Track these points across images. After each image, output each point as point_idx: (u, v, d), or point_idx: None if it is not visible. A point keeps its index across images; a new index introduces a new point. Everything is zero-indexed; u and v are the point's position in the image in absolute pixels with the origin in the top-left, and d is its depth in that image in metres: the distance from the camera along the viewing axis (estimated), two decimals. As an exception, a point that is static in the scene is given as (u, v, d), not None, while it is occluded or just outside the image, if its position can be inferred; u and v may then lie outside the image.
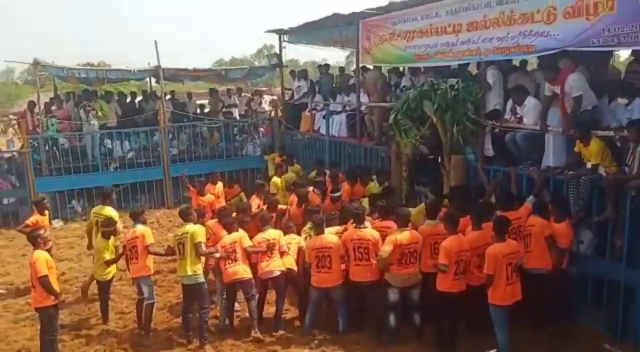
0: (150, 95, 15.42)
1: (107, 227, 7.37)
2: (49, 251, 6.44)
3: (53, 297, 6.12)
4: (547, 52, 6.81)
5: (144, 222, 7.29)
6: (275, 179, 10.18)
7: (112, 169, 13.24)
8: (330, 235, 6.63)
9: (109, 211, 7.92)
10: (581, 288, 6.42)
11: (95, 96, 14.13)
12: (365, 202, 7.80)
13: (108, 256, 7.29)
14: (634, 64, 7.42)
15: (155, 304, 7.20)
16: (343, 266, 6.56)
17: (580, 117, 6.53)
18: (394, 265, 6.20)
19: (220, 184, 10.19)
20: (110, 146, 13.52)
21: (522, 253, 5.86)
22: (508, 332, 5.73)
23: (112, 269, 7.43)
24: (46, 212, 8.66)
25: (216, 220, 7.38)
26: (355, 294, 6.69)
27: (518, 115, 7.41)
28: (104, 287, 7.41)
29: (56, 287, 6.20)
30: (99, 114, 13.36)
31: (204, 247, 6.60)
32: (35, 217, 8.33)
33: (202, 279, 6.69)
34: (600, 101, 6.70)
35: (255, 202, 8.80)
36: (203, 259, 6.82)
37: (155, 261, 8.81)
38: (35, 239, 6.25)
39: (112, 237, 7.39)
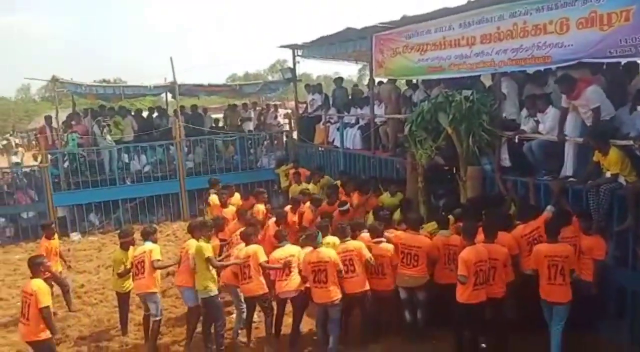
0: (166, 111, 15.63)
1: (125, 238, 7.41)
2: (46, 280, 6.10)
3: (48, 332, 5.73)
4: (564, 64, 6.83)
5: (154, 242, 7.19)
6: (295, 187, 10.24)
7: (129, 183, 13.40)
8: (327, 249, 6.47)
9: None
10: (603, 299, 6.32)
11: (111, 112, 14.36)
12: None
13: (127, 266, 7.25)
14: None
15: (171, 316, 7.23)
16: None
17: (599, 127, 6.51)
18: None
19: (237, 195, 10.26)
20: (127, 160, 13.70)
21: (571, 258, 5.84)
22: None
23: (131, 280, 7.40)
24: (55, 236, 8.45)
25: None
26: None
27: (536, 119, 7.40)
28: (124, 299, 7.45)
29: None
30: (113, 130, 13.55)
31: (213, 261, 6.58)
32: (44, 244, 8.17)
33: (213, 292, 6.59)
34: (621, 110, 6.67)
35: (259, 208, 8.90)
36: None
37: (171, 274, 8.95)
38: (37, 267, 5.88)
39: (130, 248, 7.39)
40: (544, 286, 5.83)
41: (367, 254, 6.50)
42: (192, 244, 6.84)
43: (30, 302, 5.62)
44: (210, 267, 6.56)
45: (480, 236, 6.19)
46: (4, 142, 27.35)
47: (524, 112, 7.75)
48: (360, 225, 7.21)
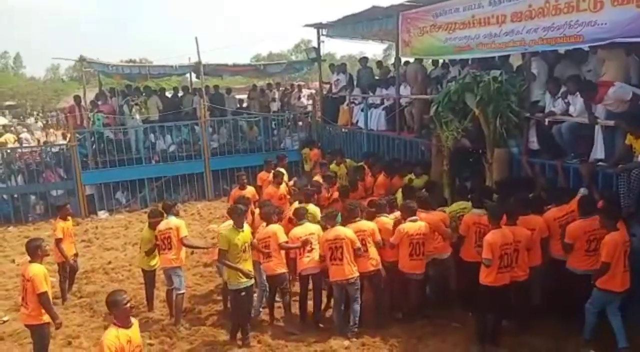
0: (193, 90, 15.70)
1: (154, 218, 7.51)
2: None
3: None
4: (596, 43, 6.60)
5: (176, 214, 7.28)
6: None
7: (154, 162, 13.57)
8: (343, 228, 6.55)
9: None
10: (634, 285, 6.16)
11: (138, 92, 14.51)
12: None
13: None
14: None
15: (196, 294, 7.31)
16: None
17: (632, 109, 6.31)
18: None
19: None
20: (153, 140, 13.86)
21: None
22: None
23: (158, 258, 7.50)
24: (69, 218, 8.21)
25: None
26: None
27: (566, 101, 7.20)
28: (149, 276, 7.58)
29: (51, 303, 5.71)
30: (142, 109, 13.71)
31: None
32: (59, 225, 7.87)
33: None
34: (654, 92, 6.45)
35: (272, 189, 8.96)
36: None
37: (196, 253, 9.08)
38: (35, 250, 5.63)
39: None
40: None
41: (378, 237, 6.61)
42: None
43: (27, 288, 5.52)
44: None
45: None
46: (36, 122, 28.01)
47: (548, 94, 7.55)
48: (381, 207, 7.12)
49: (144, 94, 14.37)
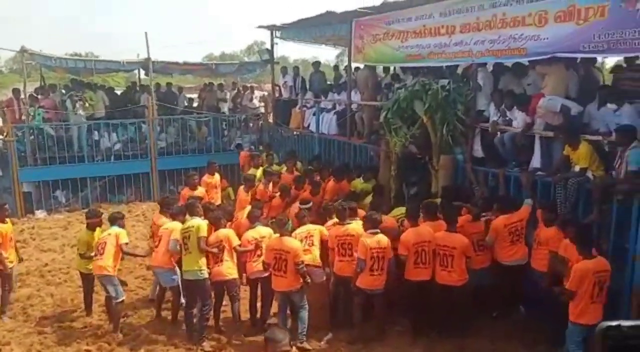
0: (141, 88, 15.30)
1: (93, 219, 7.24)
2: None
3: None
4: (538, 57, 6.87)
5: (121, 227, 7.02)
6: (253, 171, 10.21)
7: (98, 161, 13.09)
8: (291, 239, 6.36)
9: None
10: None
11: (83, 86, 13.97)
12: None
13: (94, 248, 7.04)
14: (625, 70, 7.55)
15: (138, 298, 7.13)
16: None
17: (569, 121, 6.61)
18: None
19: (217, 175, 10.14)
20: (97, 137, 13.36)
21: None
22: None
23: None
24: (7, 220, 7.40)
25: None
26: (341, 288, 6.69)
27: (507, 118, 7.49)
28: (88, 279, 7.25)
29: None
30: (87, 104, 13.22)
31: (204, 243, 6.49)
32: None
33: (206, 274, 6.50)
34: (590, 106, 6.77)
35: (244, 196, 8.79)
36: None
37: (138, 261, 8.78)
38: None
39: (97, 229, 7.23)
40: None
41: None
42: (175, 225, 6.77)
43: None
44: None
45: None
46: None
47: (492, 104, 7.82)
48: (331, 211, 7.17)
49: (88, 89, 13.84)
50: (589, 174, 6.20)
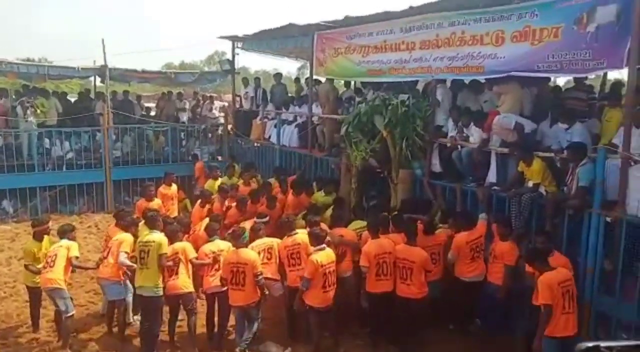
0: (96, 95, 14.88)
1: (39, 227, 6.92)
2: None
3: None
4: (495, 75, 7.08)
5: (71, 239, 6.77)
6: (210, 183, 10.10)
7: (49, 170, 12.60)
8: (248, 251, 6.29)
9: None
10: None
11: (35, 93, 13.46)
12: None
13: (41, 258, 6.77)
14: (572, 90, 7.88)
15: (89, 312, 6.85)
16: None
17: (523, 138, 6.81)
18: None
19: (174, 186, 9.93)
20: (48, 146, 12.87)
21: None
22: None
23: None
24: None
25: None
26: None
27: (465, 135, 7.66)
28: (35, 293, 6.93)
29: None
30: (38, 111, 12.73)
31: (165, 260, 6.27)
32: None
33: (161, 292, 6.29)
34: (543, 124, 7.02)
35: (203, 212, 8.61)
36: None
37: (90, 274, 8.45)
38: None
39: (45, 239, 6.94)
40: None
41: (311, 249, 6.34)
42: (126, 237, 6.62)
43: None
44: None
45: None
46: None
47: (451, 120, 8.00)
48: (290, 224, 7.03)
49: (40, 95, 13.32)
50: (542, 190, 6.40)
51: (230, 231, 6.90)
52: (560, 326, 5.08)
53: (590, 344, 1.50)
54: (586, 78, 7.80)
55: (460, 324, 6.68)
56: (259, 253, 6.45)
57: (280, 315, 6.95)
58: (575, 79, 7.67)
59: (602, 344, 1.50)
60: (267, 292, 6.23)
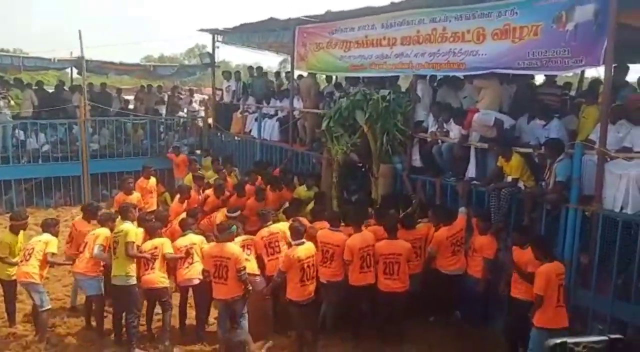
0: (73, 87, 14.60)
1: (17, 221, 6.81)
2: None
3: None
4: (476, 72, 7.16)
5: (54, 234, 6.71)
6: (189, 177, 10.06)
7: (24, 162, 12.35)
8: (232, 245, 6.22)
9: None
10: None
11: (8, 84, 13.17)
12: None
13: (16, 252, 6.67)
14: (545, 86, 8.03)
15: (66, 307, 6.76)
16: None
17: (502, 134, 6.93)
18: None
19: (153, 179, 9.83)
20: (22, 138, 12.60)
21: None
22: None
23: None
24: None
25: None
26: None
27: (445, 130, 7.75)
28: (10, 286, 6.79)
29: None
30: (12, 103, 12.47)
31: (134, 249, 6.27)
32: None
33: (133, 281, 6.29)
34: (521, 120, 7.14)
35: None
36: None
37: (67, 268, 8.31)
38: None
39: (21, 233, 6.83)
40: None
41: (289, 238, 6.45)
42: (102, 231, 6.57)
43: None
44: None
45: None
46: None
47: (431, 115, 8.08)
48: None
49: (15, 87, 13.05)
50: (521, 185, 6.52)
51: (218, 225, 6.86)
52: (553, 318, 5.17)
53: (558, 341, 1.57)
54: (556, 76, 7.95)
55: (441, 316, 6.77)
56: (242, 247, 6.45)
57: (262, 309, 6.93)
58: (547, 76, 7.81)
59: (570, 340, 1.57)
60: (250, 288, 6.23)
